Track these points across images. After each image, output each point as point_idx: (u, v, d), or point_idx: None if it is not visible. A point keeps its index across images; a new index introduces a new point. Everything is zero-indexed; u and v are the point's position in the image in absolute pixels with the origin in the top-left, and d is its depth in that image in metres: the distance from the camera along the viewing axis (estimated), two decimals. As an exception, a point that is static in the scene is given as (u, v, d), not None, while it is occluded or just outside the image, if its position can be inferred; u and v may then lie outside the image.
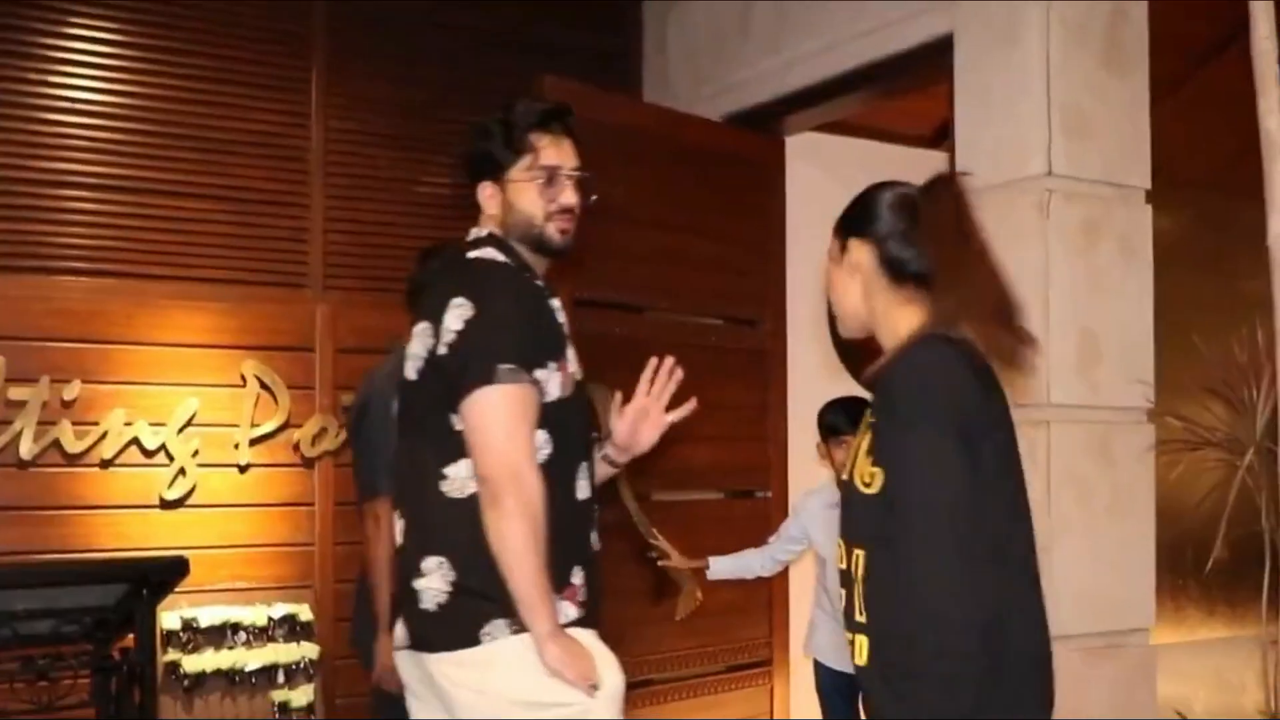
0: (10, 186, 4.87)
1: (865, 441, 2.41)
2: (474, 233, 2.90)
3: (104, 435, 4.91)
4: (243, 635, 5.02)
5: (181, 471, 5.03)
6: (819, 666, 4.57)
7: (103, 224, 5.04)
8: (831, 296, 2.60)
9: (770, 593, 5.37)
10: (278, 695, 5.02)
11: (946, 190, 2.45)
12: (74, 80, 5.00)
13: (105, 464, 4.92)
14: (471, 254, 2.81)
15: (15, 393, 4.76)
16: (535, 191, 2.86)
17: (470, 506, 2.64)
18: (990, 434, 2.33)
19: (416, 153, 5.62)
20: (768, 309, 5.49)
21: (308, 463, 5.23)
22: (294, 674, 5.06)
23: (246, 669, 4.98)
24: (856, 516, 2.43)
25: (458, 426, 2.67)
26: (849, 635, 2.46)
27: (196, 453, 5.06)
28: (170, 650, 4.90)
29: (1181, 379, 4.33)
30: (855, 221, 2.52)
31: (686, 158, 5.17)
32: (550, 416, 2.72)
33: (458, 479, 2.67)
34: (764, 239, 5.48)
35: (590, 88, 4.80)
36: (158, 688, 4.69)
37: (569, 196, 2.89)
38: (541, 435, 2.70)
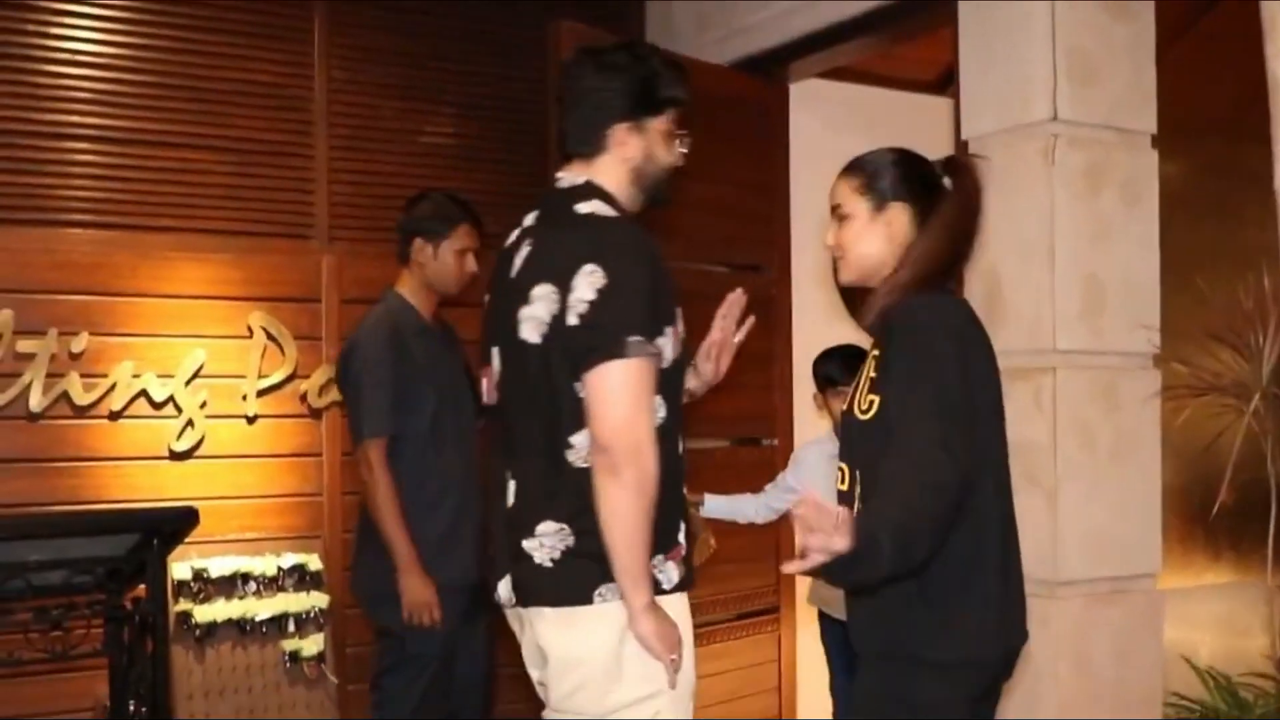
0: (12, 139, 4.86)
1: (866, 375, 2.63)
2: (568, 179, 2.87)
3: (112, 387, 4.93)
4: (253, 585, 5.05)
5: (190, 423, 5.06)
6: (823, 617, 4.61)
7: (106, 176, 5.03)
8: (855, 247, 2.78)
9: (777, 542, 5.39)
10: (288, 644, 5.06)
11: (970, 170, 2.83)
12: (74, 32, 4.98)
13: (114, 416, 4.95)
14: (582, 208, 2.78)
15: (23, 345, 4.79)
16: (673, 144, 2.94)
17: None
18: (985, 369, 2.61)
19: (420, 102, 5.60)
20: (774, 255, 5.48)
21: (315, 413, 5.25)
22: (304, 623, 5.10)
23: (257, 618, 5.02)
24: (854, 440, 2.64)
25: (583, 394, 2.66)
26: None
27: (204, 404, 5.09)
28: (181, 600, 4.94)
29: (1187, 325, 4.34)
30: (898, 186, 2.74)
31: (693, 103, 5.15)
32: (665, 381, 2.73)
33: (584, 448, 2.67)
34: (769, 184, 5.46)
35: (602, 32, 4.80)
36: (169, 636, 4.76)
37: (682, 156, 2.99)
38: (657, 399, 2.71)
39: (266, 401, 5.21)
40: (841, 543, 2.17)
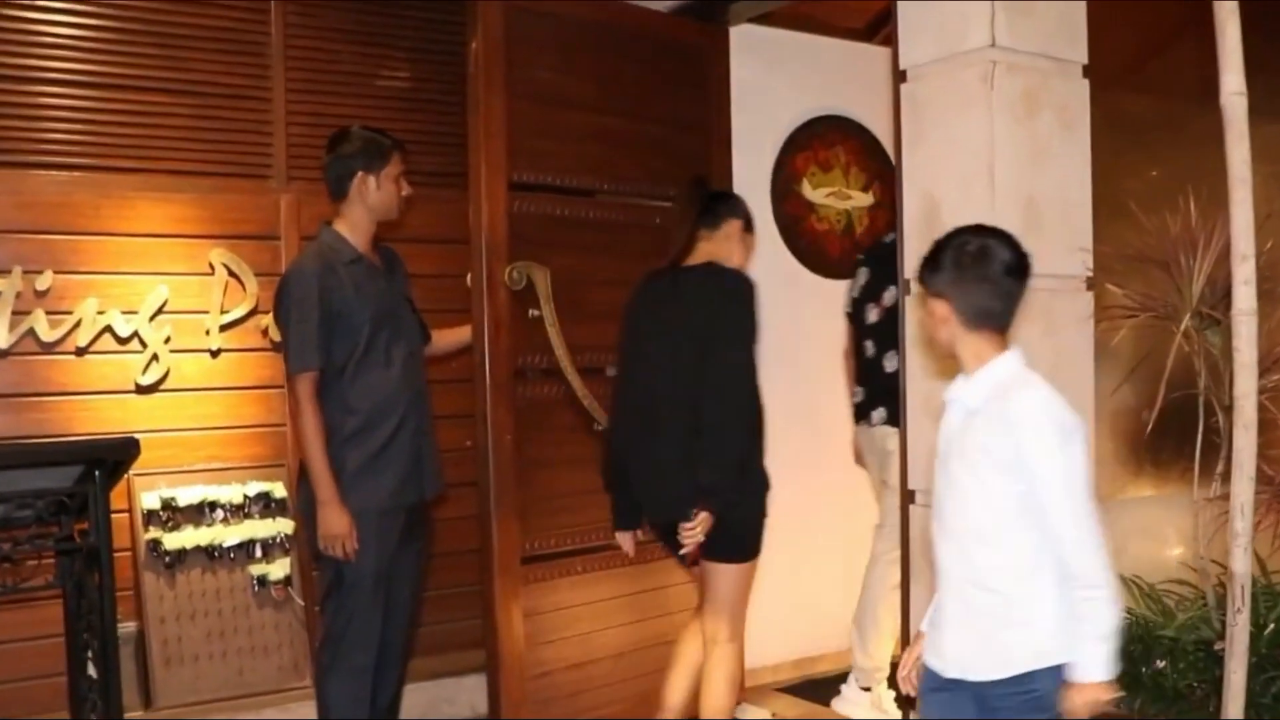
0: (-25, 83, 4.24)
1: None
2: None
3: (78, 323, 4.36)
4: (220, 513, 4.55)
5: (155, 358, 4.49)
6: None
7: (68, 119, 4.42)
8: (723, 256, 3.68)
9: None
10: (256, 569, 4.56)
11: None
12: (36, -24, 4.35)
13: (80, 351, 4.38)
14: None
15: (-12, 284, 4.20)
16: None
17: None
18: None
19: (375, 46, 4.99)
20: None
21: (277, 346, 4.60)
22: (270, 548, 4.59)
23: (225, 544, 4.52)
24: None
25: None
26: None
27: (168, 339, 4.52)
28: (151, 528, 4.42)
29: (1120, 247, 3.84)
30: (735, 210, 3.79)
31: (631, 47, 4.60)
32: None
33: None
34: (709, 124, 4.87)
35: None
36: (134, 567, 4.25)
37: None
38: None
39: (229, 336, 4.64)
40: None
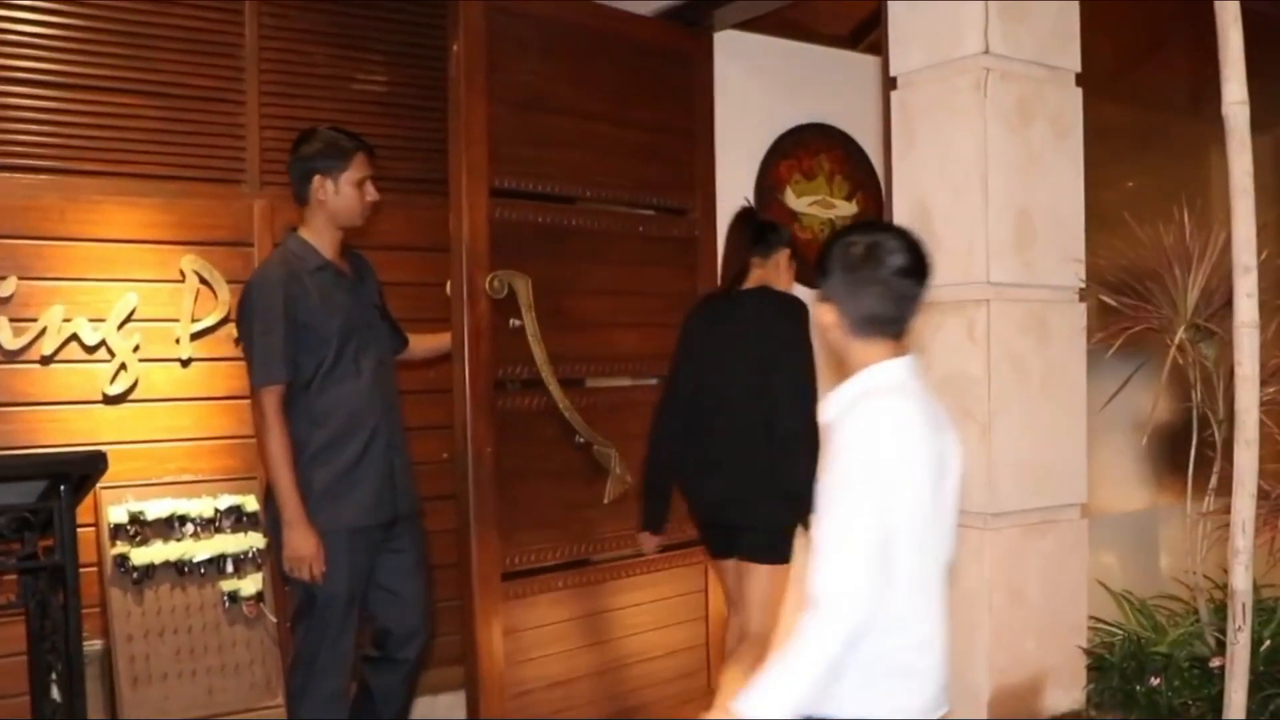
0: (-63, 83, 4.11)
1: None
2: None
3: (43, 331, 4.22)
4: (190, 527, 4.40)
5: (123, 367, 4.35)
6: None
7: (34, 120, 4.28)
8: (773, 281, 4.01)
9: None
10: (227, 584, 4.42)
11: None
12: (0, -26, 4.21)
13: (45, 360, 4.23)
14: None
15: (-52, 290, 4.06)
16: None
17: None
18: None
19: (352, 50, 4.87)
20: (697, 198, 4.82)
21: None
22: (242, 563, 4.45)
23: (195, 560, 4.38)
24: None
25: None
26: None
27: (137, 348, 4.38)
28: (118, 543, 4.28)
29: (1113, 259, 3.79)
30: (784, 239, 4.06)
31: (613, 51, 4.52)
32: None
33: None
34: (693, 130, 4.80)
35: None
36: (101, 583, 4.13)
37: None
38: None
39: (200, 345, 4.50)
40: None
